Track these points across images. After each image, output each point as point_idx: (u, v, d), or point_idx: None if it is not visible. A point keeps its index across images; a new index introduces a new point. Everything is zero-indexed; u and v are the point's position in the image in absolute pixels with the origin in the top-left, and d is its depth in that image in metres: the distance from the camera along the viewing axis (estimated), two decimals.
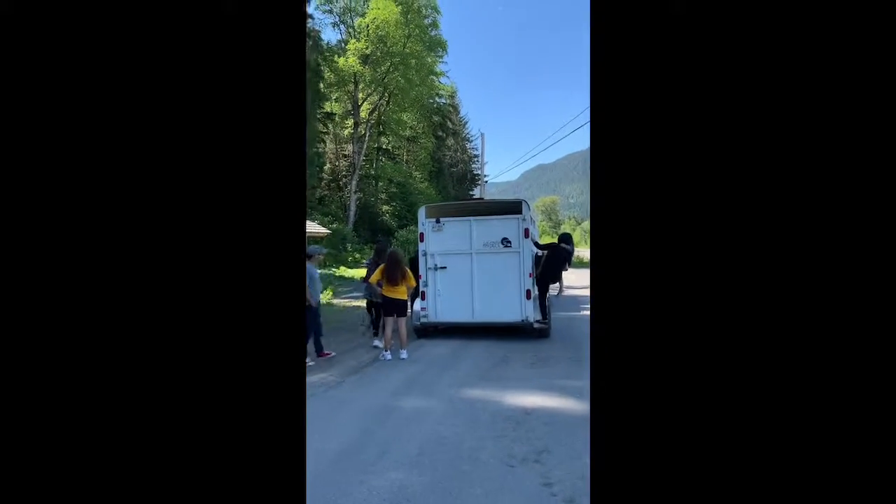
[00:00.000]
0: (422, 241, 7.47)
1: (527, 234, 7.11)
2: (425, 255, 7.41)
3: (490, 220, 7.28)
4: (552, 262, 7.51)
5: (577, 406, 4.04)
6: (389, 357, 6.05)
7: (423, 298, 7.36)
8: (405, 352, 6.13)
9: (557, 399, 4.25)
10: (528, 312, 7.07)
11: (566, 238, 7.85)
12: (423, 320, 7.37)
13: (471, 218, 7.35)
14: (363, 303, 7.95)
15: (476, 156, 41.06)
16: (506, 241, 7.21)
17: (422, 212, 7.57)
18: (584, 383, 4.72)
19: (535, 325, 7.13)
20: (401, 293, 6.26)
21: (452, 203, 8.55)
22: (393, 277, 6.22)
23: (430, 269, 7.41)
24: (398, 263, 6.30)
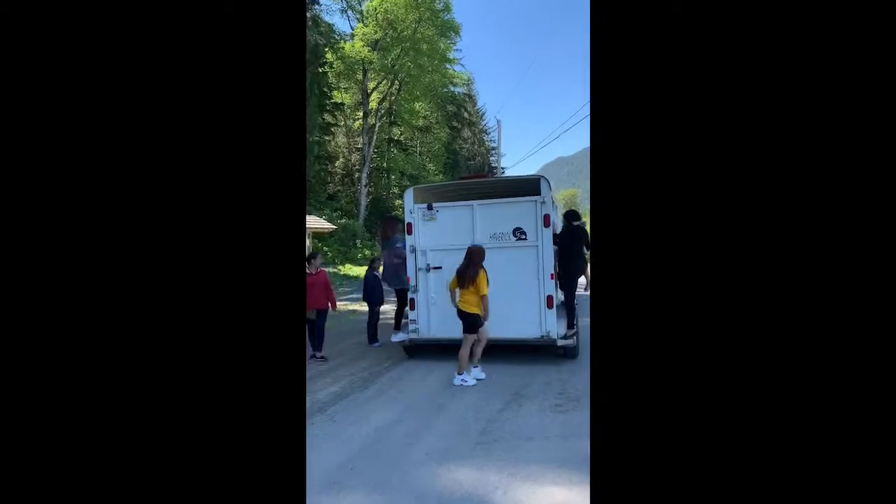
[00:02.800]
0: (410, 233, 5.76)
1: (547, 221, 5.34)
2: (414, 251, 5.71)
3: (499, 204, 5.53)
4: (570, 247, 5.60)
5: None
6: (471, 381, 4.68)
7: (412, 308, 5.68)
8: (460, 376, 4.68)
9: None
10: (550, 326, 5.31)
11: (574, 215, 5.89)
12: (412, 337, 5.68)
13: (473, 202, 5.61)
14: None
15: (494, 148, 39.31)
16: (519, 232, 5.46)
17: (409, 195, 5.84)
18: None
19: (560, 343, 5.36)
20: (467, 303, 4.66)
21: (449, 183, 6.72)
22: (460, 279, 4.72)
23: (420, 269, 5.71)
24: (469, 261, 4.72)
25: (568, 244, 5.63)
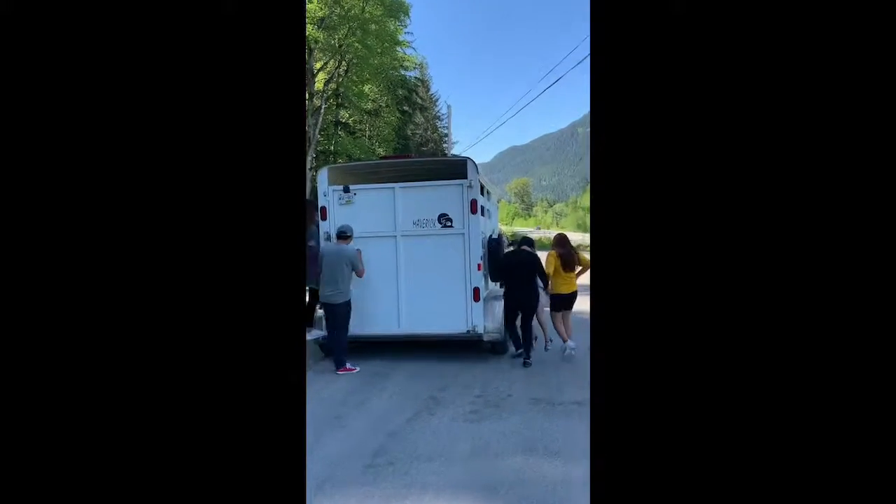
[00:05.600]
0: (324, 218, 5.18)
1: (474, 207, 4.90)
2: (329, 239, 5.13)
3: (422, 187, 5.04)
4: (515, 273, 4.95)
5: None
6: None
7: None
8: (567, 343, 5.04)
9: None
10: (477, 320, 4.90)
11: (529, 242, 5.38)
12: (326, 334, 5.13)
13: (395, 185, 5.10)
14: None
15: (447, 135, 38.71)
16: (445, 219, 4.99)
17: (322, 175, 5.24)
18: (560, 467, 2.58)
19: (486, 339, 4.98)
20: (573, 283, 5.14)
21: (368, 163, 6.20)
22: (571, 264, 5.10)
23: None
24: (565, 247, 5.17)
25: (513, 268, 5.02)
